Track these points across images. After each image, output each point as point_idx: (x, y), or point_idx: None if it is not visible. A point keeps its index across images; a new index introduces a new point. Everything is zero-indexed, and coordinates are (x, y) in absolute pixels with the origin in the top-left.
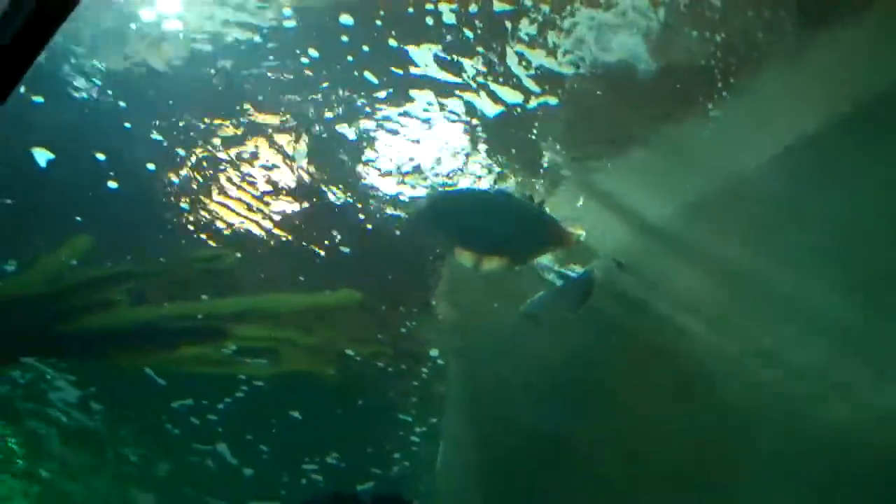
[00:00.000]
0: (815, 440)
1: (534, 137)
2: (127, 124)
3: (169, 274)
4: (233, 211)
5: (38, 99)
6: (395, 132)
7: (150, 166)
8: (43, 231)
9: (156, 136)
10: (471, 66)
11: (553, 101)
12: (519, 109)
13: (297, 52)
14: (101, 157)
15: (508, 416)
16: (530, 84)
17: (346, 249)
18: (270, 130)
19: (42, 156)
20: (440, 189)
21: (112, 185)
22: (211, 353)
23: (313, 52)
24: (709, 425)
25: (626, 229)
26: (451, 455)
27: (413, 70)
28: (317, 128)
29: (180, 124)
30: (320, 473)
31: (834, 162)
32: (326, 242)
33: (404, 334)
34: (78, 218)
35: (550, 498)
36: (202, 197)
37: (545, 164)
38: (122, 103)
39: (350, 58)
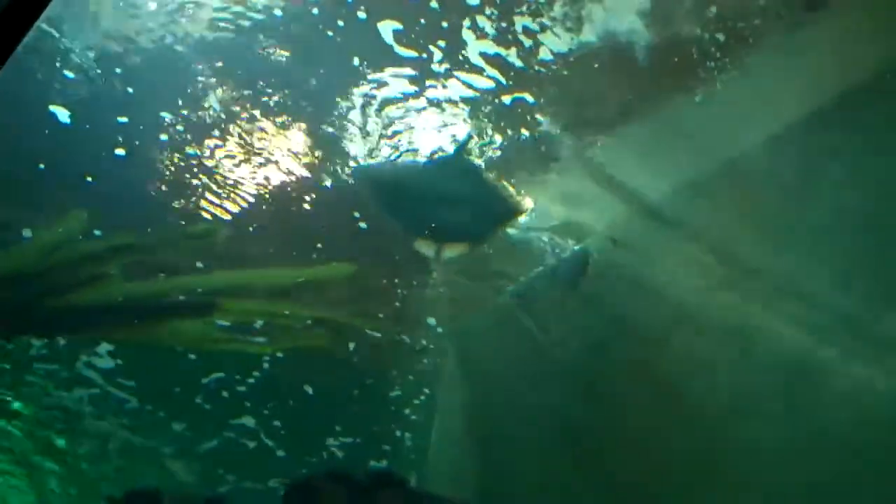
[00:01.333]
0: (812, 416)
1: (530, 115)
2: (124, 98)
3: (161, 248)
4: (227, 186)
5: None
6: (387, 105)
7: (140, 141)
8: (38, 205)
9: (155, 110)
10: (471, 39)
11: (550, 78)
12: (516, 87)
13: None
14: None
15: (503, 391)
16: (526, 61)
17: (340, 224)
18: (268, 108)
19: (63, 113)
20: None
21: (107, 159)
22: (205, 330)
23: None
24: (702, 403)
25: (623, 207)
26: (445, 430)
27: (398, 48)
28: (311, 105)
29: (179, 101)
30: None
31: (833, 140)
32: (320, 217)
33: (400, 308)
34: (72, 192)
35: (545, 472)
36: (198, 172)
37: (541, 141)
38: (120, 77)
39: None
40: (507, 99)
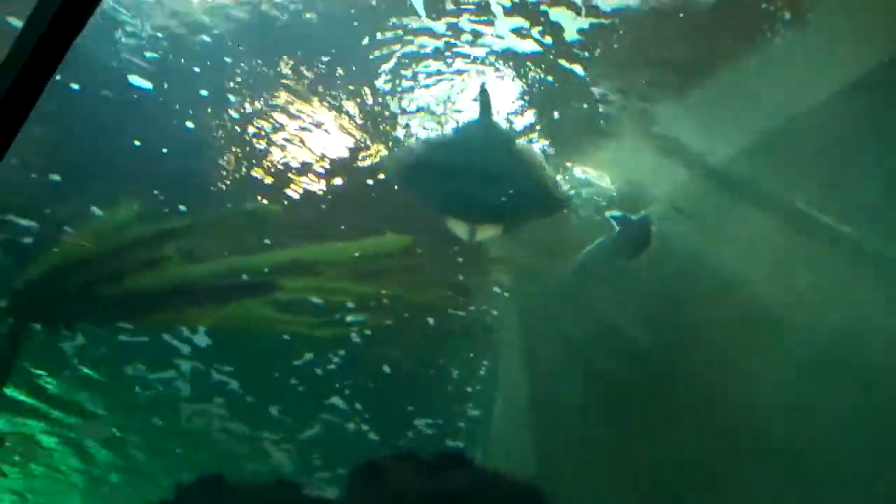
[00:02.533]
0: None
1: (588, 81)
2: (175, 83)
3: (217, 229)
4: (280, 164)
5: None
6: (440, 80)
7: (190, 125)
8: (94, 189)
9: (204, 92)
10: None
11: (608, 43)
12: (572, 52)
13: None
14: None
15: (566, 363)
16: (583, 24)
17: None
18: (320, 87)
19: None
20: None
21: (161, 141)
22: (269, 311)
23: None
24: (772, 369)
25: (685, 173)
26: (508, 405)
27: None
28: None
29: (230, 83)
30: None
31: None
32: (373, 192)
33: (461, 280)
34: (127, 176)
35: (609, 449)
36: (249, 151)
37: (599, 109)
38: (173, 62)
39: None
40: (561, 66)
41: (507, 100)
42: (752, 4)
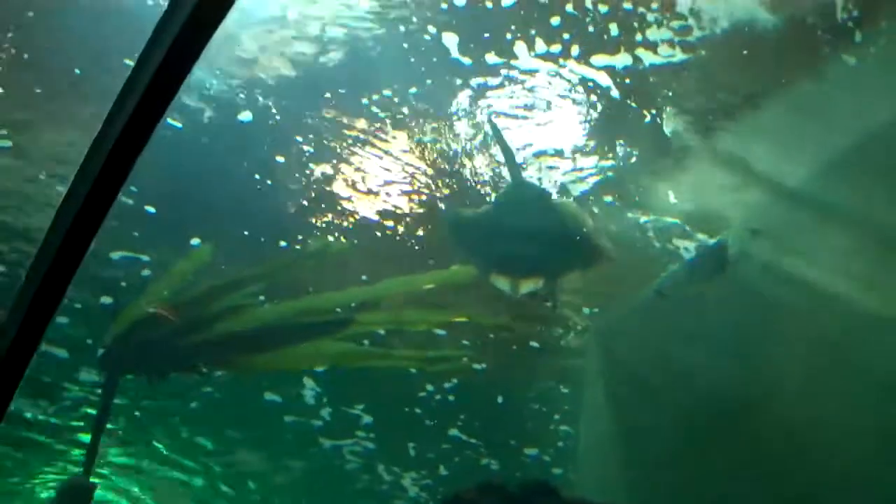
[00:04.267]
0: None
1: (655, 109)
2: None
3: (290, 271)
4: (348, 201)
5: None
6: (506, 115)
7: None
8: (166, 240)
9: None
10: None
11: (675, 68)
12: (640, 79)
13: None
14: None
15: (649, 389)
16: (649, 53)
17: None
18: (386, 124)
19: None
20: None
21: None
22: (350, 349)
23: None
24: (862, 390)
25: (759, 194)
26: (592, 436)
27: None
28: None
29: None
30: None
31: None
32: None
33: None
34: (196, 226)
35: (701, 482)
36: (314, 193)
37: (669, 135)
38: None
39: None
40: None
41: (576, 129)
42: (819, 25)
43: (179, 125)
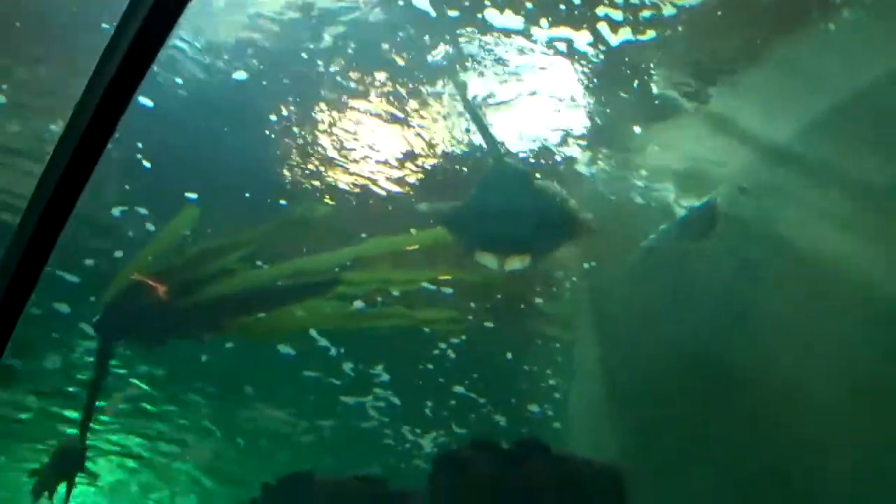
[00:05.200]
0: None
1: (644, 69)
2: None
3: (278, 234)
4: (336, 166)
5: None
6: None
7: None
8: (154, 200)
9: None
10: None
11: (663, 29)
12: (628, 41)
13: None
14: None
15: (639, 348)
16: (640, 13)
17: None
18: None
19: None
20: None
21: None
22: (338, 310)
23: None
24: (857, 341)
25: (748, 154)
26: (583, 392)
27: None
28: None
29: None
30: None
31: None
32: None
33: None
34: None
35: (687, 432)
36: (302, 157)
37: (658, 96)
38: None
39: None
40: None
41: (566, 90)
42: None
43: (179, 80)
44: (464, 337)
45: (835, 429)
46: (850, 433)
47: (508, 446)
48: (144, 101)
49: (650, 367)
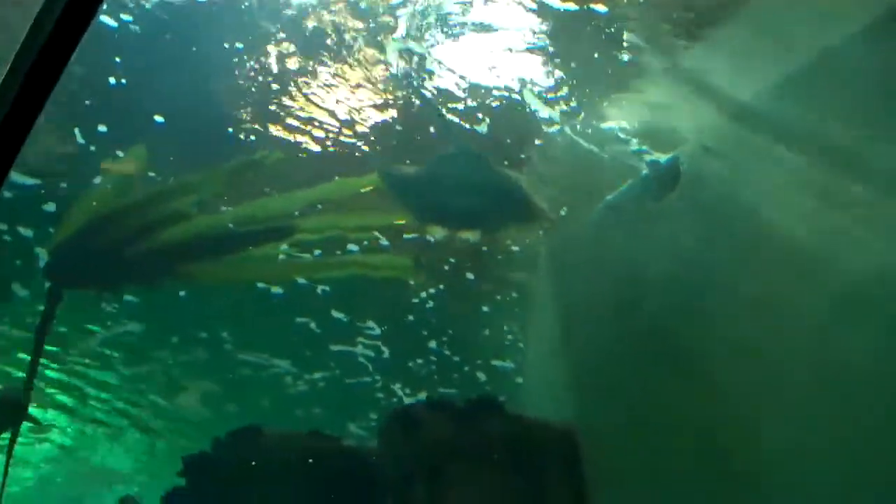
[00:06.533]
0: None
1: (613, 22)
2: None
3: (231, 179)
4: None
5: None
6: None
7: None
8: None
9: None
10: None
11: None
12: None
13: None
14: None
15: (597, 308)
16: None
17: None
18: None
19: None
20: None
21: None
22: (292, 259)
23: None
24: (815, 306)
25: (714, 112)
26: (540, 351)
27: None
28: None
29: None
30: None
31: None
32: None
33: None
34: (136, 126)
35: (641, 392)
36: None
37: (625, 51)
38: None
39: None
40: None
41: (534, 43)
42: None
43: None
44: (432, 290)
45: (785, 403)
46: (800, 407)
47: (462, 404)
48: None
49: (603, 326)
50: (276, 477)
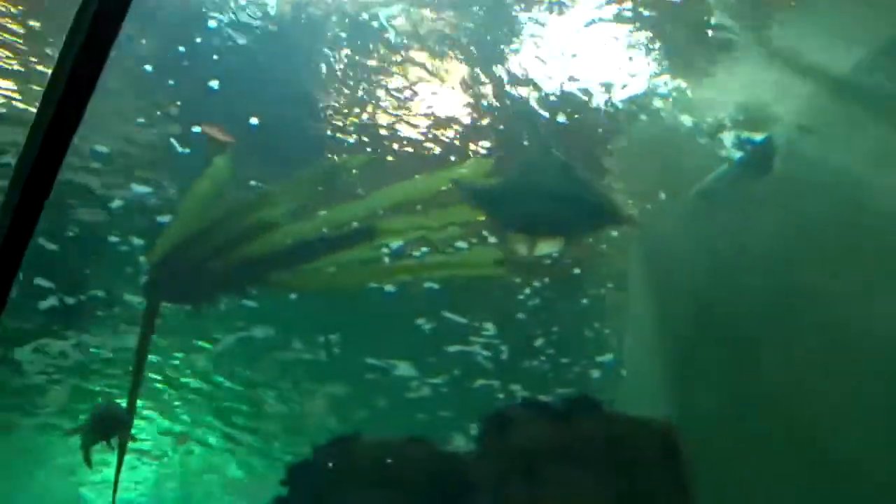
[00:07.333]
0: None
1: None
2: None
3: (312, 186)
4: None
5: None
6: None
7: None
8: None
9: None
10: None
11: None
12: None
13: None
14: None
15: (694, 298)
16: None
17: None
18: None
19: None
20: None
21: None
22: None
23: None
24: None
25: (808, 88)
26: (637, 346)
27: None
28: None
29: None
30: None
31: None
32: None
33: None
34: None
35: (742, 386)
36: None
37: (715, 30)
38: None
39: None
40: None
41: (620, 27)
42: None
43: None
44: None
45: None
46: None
47: (559, 405)
48: None
49: (700, 314)
50: (374, 484)
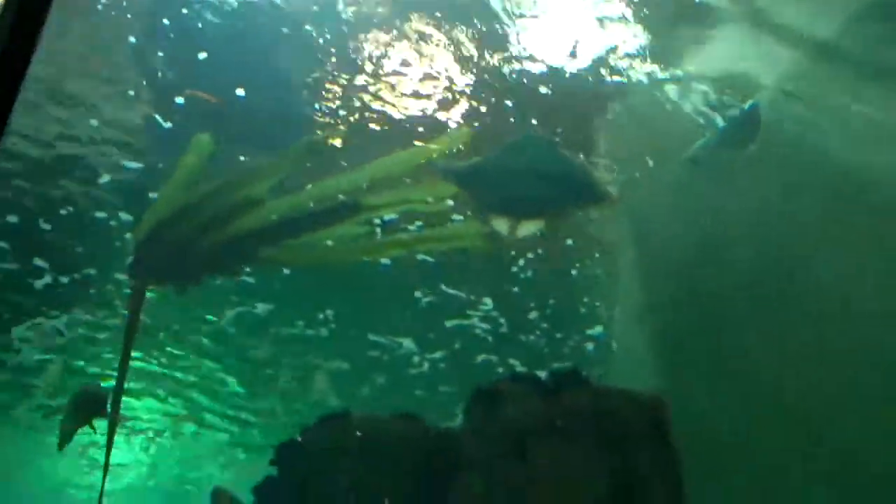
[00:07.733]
0: None
1: None
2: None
3: (294, 162)
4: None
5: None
6: None
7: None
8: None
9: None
10: None
11: None
12: None
13: None
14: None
15: (682, 268)
16: None
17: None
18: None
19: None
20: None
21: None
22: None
23: None
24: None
25: (793, 53)
26: (625, 321)
27: None
28: None
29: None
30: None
31: None
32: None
33: None
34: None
35: (728, 362)
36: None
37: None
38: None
39: None
40: None
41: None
42: None
43: None
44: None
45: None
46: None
47: (547, 379)
48: None
49: (687, 282)
50: (364, 461)
